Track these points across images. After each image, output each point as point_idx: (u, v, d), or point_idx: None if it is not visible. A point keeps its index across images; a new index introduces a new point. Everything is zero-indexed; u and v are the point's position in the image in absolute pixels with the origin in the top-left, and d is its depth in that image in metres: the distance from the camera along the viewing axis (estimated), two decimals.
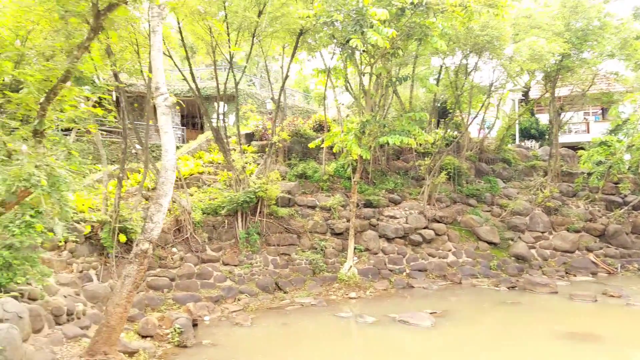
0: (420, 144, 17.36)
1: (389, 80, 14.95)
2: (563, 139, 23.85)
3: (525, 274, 16.05)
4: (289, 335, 10.28)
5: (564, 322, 11.11)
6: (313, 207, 16.01)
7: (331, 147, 16.60)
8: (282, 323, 11.00)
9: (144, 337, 9.31)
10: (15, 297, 7.29)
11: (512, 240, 17.52)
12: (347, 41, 12.70)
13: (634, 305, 12.32)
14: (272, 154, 15.46)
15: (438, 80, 19.49)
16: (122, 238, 11.09)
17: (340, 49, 14.12)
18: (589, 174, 20.06)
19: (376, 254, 15.61)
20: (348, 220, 15.41)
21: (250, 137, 18.78)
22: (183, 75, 14.01)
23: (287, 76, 15.26)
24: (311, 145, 15.80)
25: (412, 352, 9.56)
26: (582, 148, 21.66)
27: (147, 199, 13.50)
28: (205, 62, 24.38)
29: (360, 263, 15.02)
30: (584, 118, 28.22)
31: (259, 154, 16.80)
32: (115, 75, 11.48)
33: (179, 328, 9.29)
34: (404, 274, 15.42)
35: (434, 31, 12.44)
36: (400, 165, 19.50)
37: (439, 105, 21.75)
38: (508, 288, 14.72)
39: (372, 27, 11.49)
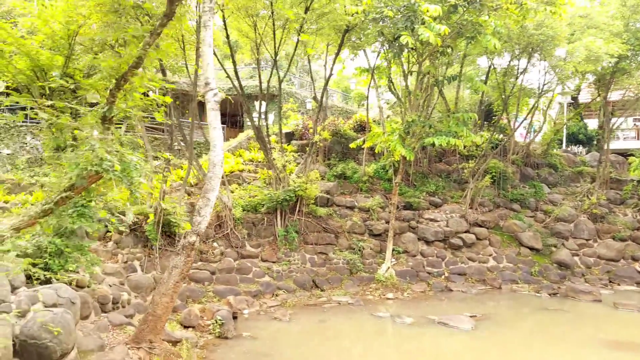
0: (465, 147, 17.07)
1: (436, 80, 14.73)
2: (611, 145, 22.84)
3: (567, 281, 15.59)
4: (326, 331, 10.36)
5: (608, 331, 10.82)
6: (352, 208, 16.02)
7: (372, 148, 16.55)
8: (319, 320, 11.08)
9: (186, 327, 9.54)
10: (66, 284, 7.62)
11: (555, 247, 16.99)
12: (396, 38, 12.57)
13: None
14: (312, 154, 15.55)
15: (486, 81, 19.09)
16: (177, 229, 11.35)
17: (388, 47, 13.95)
18: (639, 182, 19.17)
19: (414, 256, 15.46)
20: (387, 222, 15.34)
21: (290, 136, 18.96)
22: (227, 73, 14.26)
23: (330, 74, 15.23)
24: (352, 145, 15.80)
25: (453, 353, 9.44)
26: (631, 154, 20.69)
27: (189, 194, 13.88)
28: (244, 62, 24.74)
29: (398, 265, 14.92)
30: (634, 124, 26.95)
31: (299, 153, 16.94)
32: (163, 71, 11.81)
33: (220, 320, 9.50)
34: (443, 277, 15.21)
35: (487, 29, 12.13)
36: (443, 167, 19.23)
37: (484, 107, 21.27)
38: (549, 295, 14.32)
39: (423, 23, 11.31)
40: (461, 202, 17.36)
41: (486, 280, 15.41)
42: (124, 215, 10.92)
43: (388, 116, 19.01)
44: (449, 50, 13.84)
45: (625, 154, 22.03)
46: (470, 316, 11.34)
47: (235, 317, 10.31)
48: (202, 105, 18.40)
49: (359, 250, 14.84)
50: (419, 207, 16.65)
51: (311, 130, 16.73)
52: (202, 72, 7.92)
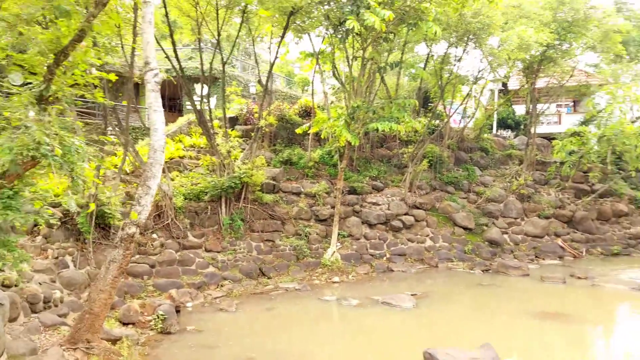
0: (404, 132, 17.53)
1: (378, 66, 14.92)
2: (537, 129, 24.44)
3: (498, 258, 16.65)
4: (274, 319, 10.39)
5: (536, 303, 11.67)
6: (298, 194, 16.05)
7: (317, 134, 16.56)
8: (266, 308, 11.08)
9: (125, 324, 9.20)
10: None
11: (486, 225, 18.07)
12: (341, 22, 12.54)
13: (598, 286, 13.03)
14: (258, 139, 15.30)
15: (424, 68, 19.65)
16: (112, 220, 10.75)
17: (333, 31, 13.89)
18: (562, 163, 20.74)
19: (358, 239, 15.84)
20: (332, 207, 15.55)
21: (234, 121, 18.49)
22: (165, 54, 13.54)
23: (276, 57, 14.97)
24: (298, 130, 15.73)
25: (397, 330, 9.84)
26: (554, 138, 22.31)
27: (125, 183, 13.18)
28: (182, 42, 23.67)
29: (343, 248, 15.22)
30: (557, 110, 28.97)
31: (244, 139, 16.62)
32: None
33: (161, 314, 9.24)
34: (385, 258, 15.74)
35: (429, 16, 12.40)
36: (384, 153, 19.73)
37: (422, 94, 21.94)
38: (482, 271, 15.27)
39: (368, 8, 11.36)
40: (401, 186, 17.94)
41: (424, 259, 16.13)
42: (55, 206, 10.19)
43: (332, 102, 19.09)
44: (392, 36, 14.04)
45: (549, 137, 23.72)
46: (412, 294, 11.87)
47: (178, 311, 10.07)
48: (137, 88, 17.50)
49: (306, 235, 14.95)
50: (363, 191, 17.01)
51: (256, 115, 16.43)
52: (143, 51, 7.43)
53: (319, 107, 18.65)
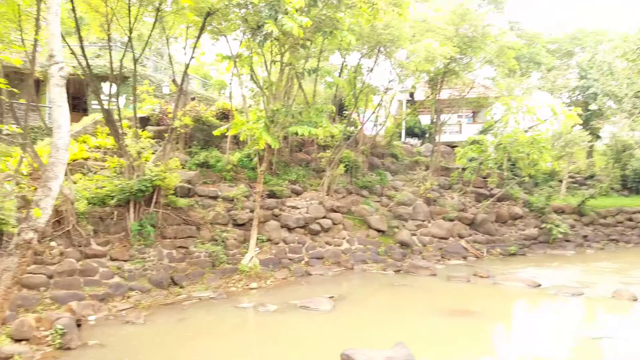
0: (321, 137, 17.84)
1: (296, 72, 15.04)
2: (441, 138, 26.33)
3: (408, 259, 17.45)
4: (185, 330, 9.91)
5: (444, 301, 12.37)
6: (215, 198, 15.55)
7: (235, 136, 16.26)
8: (178, 319, 10.57)
9: (18, 340, 8.33)
10: None
11: (397, 228, 18.93)
12: (259, 26, 12.46)
13: (499, 284, 14.17)
14: (172, 140, 14.61)
15: (339, 76, 20.18)
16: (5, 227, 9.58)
17: (251, 35, 13.75)
18: (463, 169, 22.50)
19: (277, 243, 15.75)
20: (251, 211, 15.30)
21: (145, 121, 17.49)
22: (71, 50, 12.47)
23: (192, 57, 14.47)
24: (216, 132, 15.27)
25: (316, 334, 9.91)
26: (456, 146, 24.16)
27: (19, 185, 11.89)
28: (89, 40, 22.08)
29: (262, 253, 15.03)
30: (458, 120, 31.41)
31: (156, 140, 15.79)
32: None
33: (60, 329, 8.46)
34: (303, 262, 15.82)
35: (343, 25, 12.77)
36: (303, 157, 19.95)
37: (337, 101, 22.55)
38: (394, 272, 15.91)
39: (286, 14, 11.43)
40: (319, 190, 18.24)
41: (340, 262, 16.48)
42: None
43: (250, 105, 18.89)
44: (309, 43, 14.26)
45: (452, 145, 25.62)
46: (329, 297, 12.00)
47: (79, 325, 9.31)
48: (37, 85, 15.97)
49: (222, 241, 14.53)
50: (282, 195, 17.01)
51: (170, 115, 15.70)
52: (48, 43, 6.82)
53: (236, 110, 18.36)
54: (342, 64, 19.49)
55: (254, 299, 12.38)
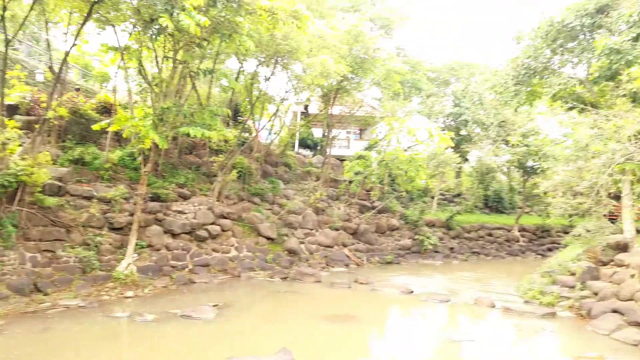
0: (215, 140, 17.44)
1: (190, 71, 14.52)
2: (332, 151, 27.44)
3: (295, 266, 17.83)
4: (49, 341, 8.95)
5: (327, 306, 12.85)
6: (89, 198, 14.15)
7: (117, 133, 15.15)
8: (41, 328, 9.49)
9: None
10: None
11: (286, 236, 19.25)
12: (153, 20, 11.82)
13: (377, 290, 15.11)
14: (43, 132, 13.08)
15: (236, 81, 19.94)
16: None
17: (143, 28, 12.94)
18: (350, 182, 23.70)
19: (159, 250, 14.93)
20: (131, 214, 14.28)
21: (13, 109, 15.34)
22: None
23: (73, 46, 13.15)
24: (96, 127, 13.98)
25: (198, 343, 9.56)
26: (344, 160, 25.40)
27: None
28: None
29: (141, 260, 14.10)
30: (347, 136, 33.04)
31: (24, 131, 13.99)
32: None
33: None
34: (187, 269, 15.22)
35: (243, 30, 12.68)
36: (193, 160, 19.24)
37: (233, 106, 22.26)
38: (281, 279, 16.12)
39: (183, 10, 11.03)
40: (209, 195, 17.76)
41: (227, 269, 16.20)
42: None
43: (136, 101, 17.75)
44: (206, 43, 13.92)
45: (341, 159, 26.82)
46: (213, 305, 11.70)
47: None
48: None
49: (96, 246, 13.33)
50: (168, 198, 16.18)
51: (43, 105, 14.05)
52: None
53: (120, 105, 17.13)
54: (239, 69, 19.31)
55: (129, 308, 11.57)
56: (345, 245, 20.89)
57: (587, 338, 10.18)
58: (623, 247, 13.15)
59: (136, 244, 13.88)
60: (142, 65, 14.58)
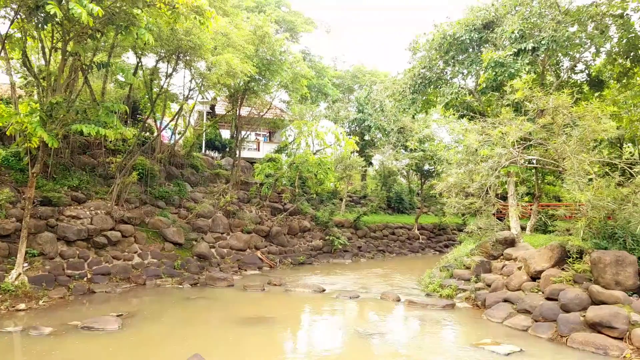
0: (111, 141, 16.21)
1: (83, 64, 13.39)
2: (242, 153, 27.07)
3: (206, 271, 17.26)
4: None
5: (240, 310, 12.60)
6: None
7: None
8: None
9: None
10: None
11: (195, 240, 18.56)
12: (39, 6, 10.70)
13: (290, 290, 15.18)
14: None
15: (134, 76, 18.75)
16: None
17: (27, 15, 11.63)
18: (261, 184, 23.56)
19: (53, 258, 13.51)
20: (19, 220, 12.77)
21: None
22: None
23: None
24: None
25: (102, 356, 8.81)
26: (254, 162, 25.21)
27: None
28: None
29: (33, 270, 12.65)
30: (257, 138, 32.85)
31: None
32: None
33: None
34: (85, 279, 13.97)
35: (141, 22, 11.97)
36: (87, 160, 17.61)
37: (131, 102, 20.91)
38: (191, 285, 15.52)
39: None
40: (107, 198, 16.45)
41: (131, 277, 15.19)
42: None
43: (20, 96, 15.95)
44: (99, 35, 12.95)
45: (251, 161, 26.56)
46: (117, 315, 10.98)
47: None
48: None
49: None
50: (60, 203, 14.71)
51: None
52: None
53: (2, 100, 15.29)
54: (138, 64, 18.18)
55: (22, 321, 10.41)
56: (257, 248, 20.70)
57: (483, 326, 11.10)
58: (510, 242, 14.68)
59: (26, 252, 12.47)
60: (26, 57, 13.17)
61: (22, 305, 11.34)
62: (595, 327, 9.31)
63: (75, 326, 10.03)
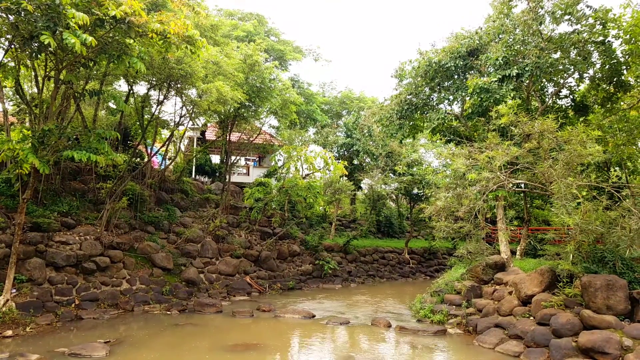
0: (102, 167, 16.26)
1: (75, 92, 13.56)
2: (232, 178, 27.18)
3: (195, 297, 17.09)
4: None
5: (229, 337, 12.49)
6: None
7: None
8: None
9: None
10: None
11: (184, 266, 18.44)
12: (33, 37, 10.92)
13: (279, 316, 15.08)
14: None
15: (126, 103, 18.98)
16: None
17: (21, 45, 11.82)
18: (251, 209, 23.60)
19: (41, 284, 13.39)
20: (8, 246, 12.70)
21: None
22: None
23: None
24: None
25: None
26: (244, 186, 25.31)
27: None
28: None
29: (21, 296, 12.53)
30: (246, 163, 33.04)
31: None
32: None
33: None
34: (73, 305, 13.81)
35: (133, 52, 12.23)
36: (77, 186, 17.63)
37: (122, 129, 21.06)
38: (179, 311, 15.35)
39: (68, 28, 10.38)
40: (97, 224, 16.42)
41: (119, 304, 15.02)
42: None
43: (12, 123, 16.02)
44: (92, 64, 13.19)
45: (241, 185, 26.64)
46: (105, 342, 10.87)
47: None
48: None
49: None
50: (50, 228, 14.65)
51: None
52: None
53: None
54: (129, 91, 18.43)
55: (9, 348, 10.31)
56: (247, 273, 20.58)
57: (475, 353, 11.08)
58: (501, 267, 14.80)
59: (15, 278, 12.38)
60: (19, 85, 13.31)
61: (9, 332, 11.21)
62: (587, 352, 9.32)
63: (62, 353, 9.95)
